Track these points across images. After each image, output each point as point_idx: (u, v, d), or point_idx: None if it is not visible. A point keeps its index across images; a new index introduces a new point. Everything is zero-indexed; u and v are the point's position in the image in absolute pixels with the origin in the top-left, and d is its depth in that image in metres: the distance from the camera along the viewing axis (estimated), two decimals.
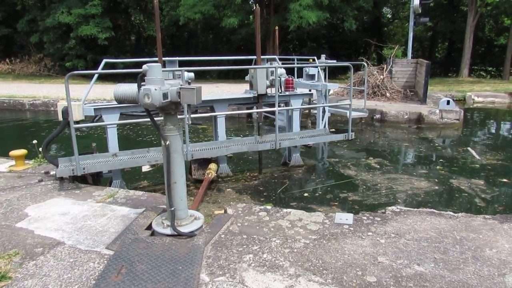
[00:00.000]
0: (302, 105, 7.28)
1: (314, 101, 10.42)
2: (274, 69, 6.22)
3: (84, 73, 5.52)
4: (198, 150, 5.73)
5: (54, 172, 4.94)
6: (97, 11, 23.88)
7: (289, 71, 10.21)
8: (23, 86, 20.48)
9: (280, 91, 6.79)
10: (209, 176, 5.84)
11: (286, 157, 7.34)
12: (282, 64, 8.33)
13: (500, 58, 29.53)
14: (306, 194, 5.91)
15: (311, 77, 10.33)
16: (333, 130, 10.67)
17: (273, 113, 6.61)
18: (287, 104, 6.96)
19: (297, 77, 10.96)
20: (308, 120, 11.62)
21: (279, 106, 5.99)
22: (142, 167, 5.69)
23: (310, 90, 9.22)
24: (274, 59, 7.59)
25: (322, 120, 9.22)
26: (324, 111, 9.30)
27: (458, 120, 11.45)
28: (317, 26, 24.22)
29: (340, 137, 6.74)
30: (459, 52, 27.49)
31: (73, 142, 4.50)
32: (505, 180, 6.47)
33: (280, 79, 6.76)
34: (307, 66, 9.27)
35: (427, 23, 24.35)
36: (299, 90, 7.73)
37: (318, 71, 9.22)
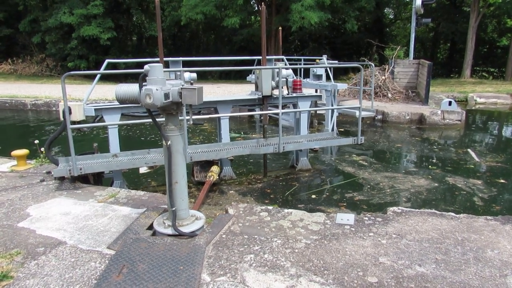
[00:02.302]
0: (310, 107, 7.01)
1: (319, 103, 10.38)
2: (279, 70, 6.09)
3: (81, 74, 5.53)
4: (197, 152, 5.57)
5: None
6: (99, 12, 23.95)
7: (294, 72, 10.18)
8: (25, 86, 20.54)
9: (288, 92, 6.63)
10: (211, 178, 5.71)
11: (294, 160, 7.17)
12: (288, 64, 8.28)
13: (502, 59, 29.51)
14: (313, 196, 5.85)
15: (318, 77, 10.31)
16: (341, 129, 10.69)
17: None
18: (295, 106, 6.71)
19: (303, 78, 10.97)
20: (314, 119, 11.57)
21: (287, 108, 5.75)
22: (140, 168, 5.64)
23: (316, 91, 9.13)
24: (281, 60, 7.50)
25: (331, 121, 9.08)
26: (332, 112, 9.20)
27: (460, 121, 11.44)
28: (319, 27, 24.23)
29: (348, 141, 6.47)
30: (461, 53, 27.46)
31: (70, 142, 4.47)
32: (502, 181, 6.48)
33: (287, 80, 6.58)
34: (313, 67, 9.25)
35: (429, 23, 24.30)
36: (305, 91, 7.47)
37: (327, 71, 9.20)
